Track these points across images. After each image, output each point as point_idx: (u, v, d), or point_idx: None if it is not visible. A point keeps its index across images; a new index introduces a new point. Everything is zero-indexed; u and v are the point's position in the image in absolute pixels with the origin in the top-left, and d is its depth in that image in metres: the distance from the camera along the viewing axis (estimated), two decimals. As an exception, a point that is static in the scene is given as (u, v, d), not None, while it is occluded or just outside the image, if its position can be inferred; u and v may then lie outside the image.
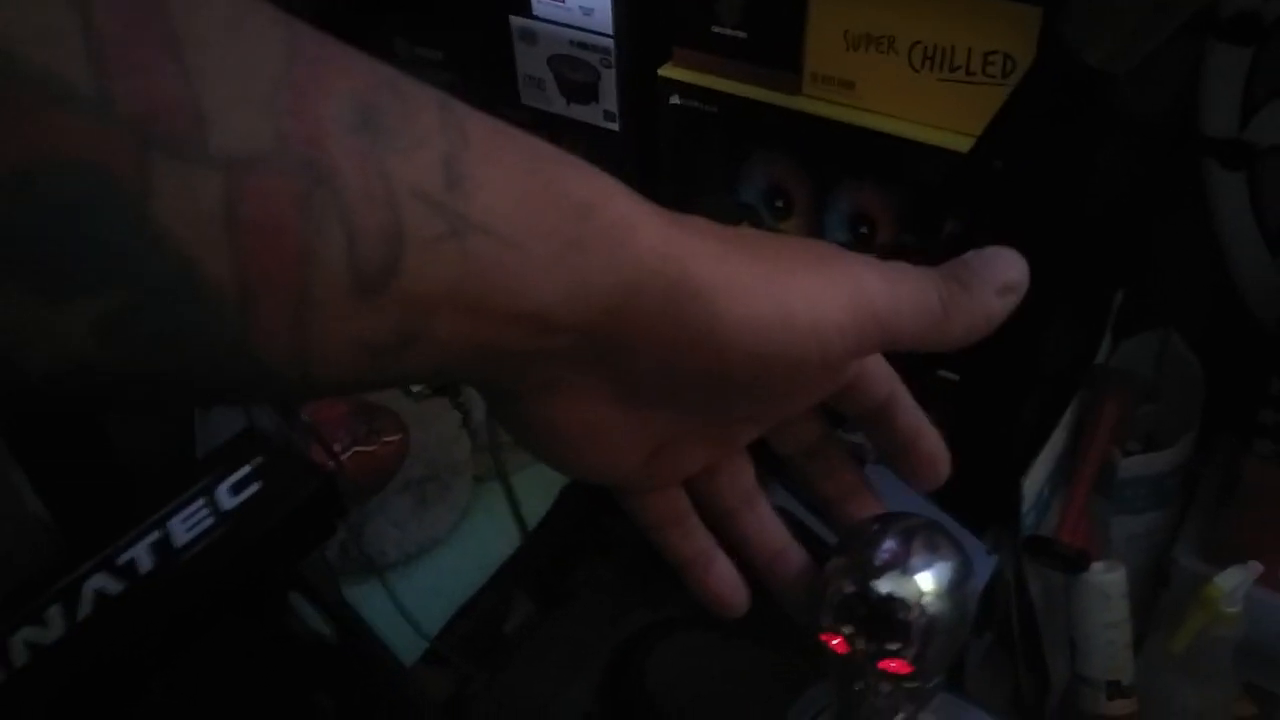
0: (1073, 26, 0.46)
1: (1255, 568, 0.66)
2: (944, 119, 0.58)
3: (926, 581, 0.26)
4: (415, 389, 0.82)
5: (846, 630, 0.27)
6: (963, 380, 0.66)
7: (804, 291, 0.25)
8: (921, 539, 0.27)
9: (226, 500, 0.42)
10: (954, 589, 0.26)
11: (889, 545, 0.27)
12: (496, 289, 0.22)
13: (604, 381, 0.26)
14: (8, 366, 0.18)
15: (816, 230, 0.66)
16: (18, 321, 0.17)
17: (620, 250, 0.23)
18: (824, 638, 0.28)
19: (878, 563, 0.27)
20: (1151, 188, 0.83)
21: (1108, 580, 0.69)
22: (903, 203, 0.61)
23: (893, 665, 0.27)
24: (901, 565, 0.26)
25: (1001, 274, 0.27)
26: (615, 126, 0.71)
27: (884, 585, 0.26)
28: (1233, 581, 0.65)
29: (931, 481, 0.30)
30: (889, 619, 0.26)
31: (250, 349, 0.19)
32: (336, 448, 0.71)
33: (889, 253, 0.61)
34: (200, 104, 0.18)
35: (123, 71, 0.17)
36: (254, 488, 0.43)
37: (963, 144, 0.56)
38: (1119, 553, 0.76)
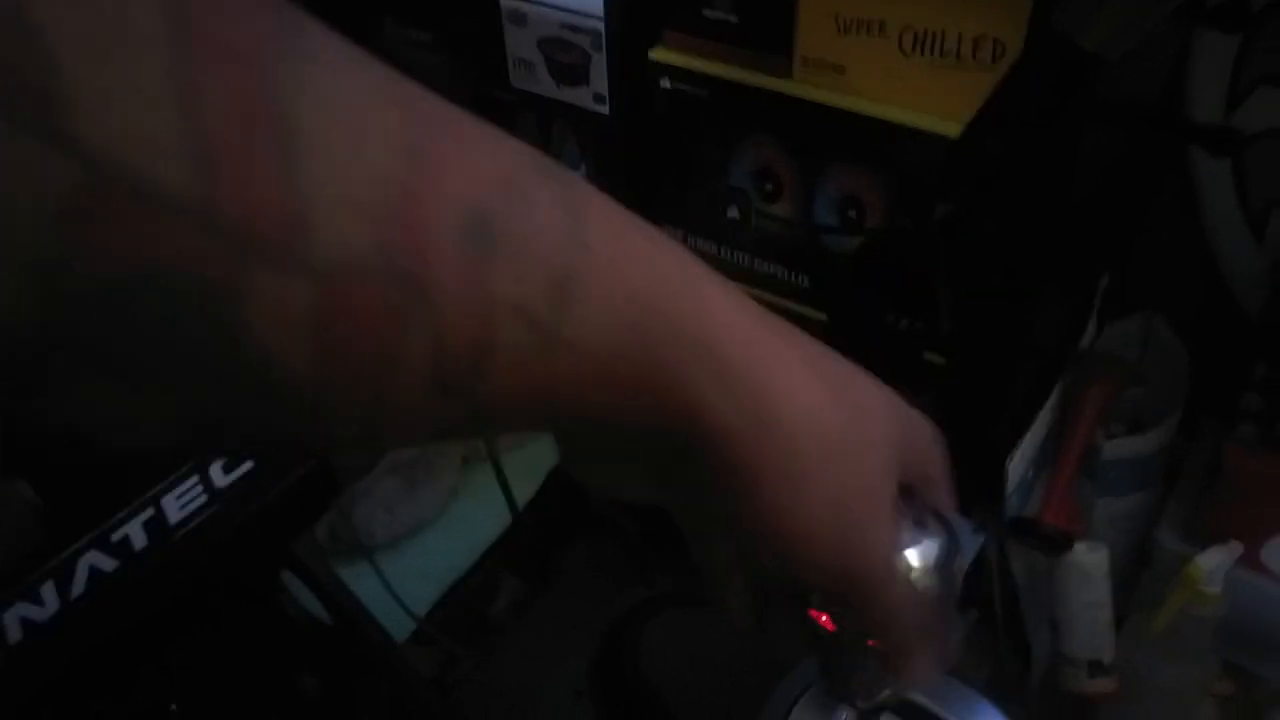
0: (1065, 13, 0.46)
1: (1236, 548, 0.67)
2: (933, 103, 0.58)
3: (915, 557, 0.26)
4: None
5: (834, 607, 0.27)
6: (950, 362, 0.67)
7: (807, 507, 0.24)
8: (909, 515, 0.28)
9: (219, 478, 0.43)
10: (942, 565, 0.27)
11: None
12: (579, 402, 0.21)
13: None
14: (89, 443, 0.18)
15: (805, 213, 0.67)
16: (99, 406, 0.17)
17: (719, 390, 0.22)
18: (812, 614, 0.28)
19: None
20: (1138, 173, 0.84)
21: (1090, 561, 0.70)
22: (892, 186, 0.61)
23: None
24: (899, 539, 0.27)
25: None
26: (605, 109, 0.71)
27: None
28: (1214, 561, 0.66)
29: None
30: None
31: (319, 429, 0.20)
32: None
33: (880, 236, 0.61)
34: (304, 211, 0.17)
35: (229, 179, 0.16)
36: (246, 466, 0.43)
37: (952, 128, 0.56)
38: (1102, 533, 0.77)
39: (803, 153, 0.64)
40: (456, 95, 0.21)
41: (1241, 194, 0.78)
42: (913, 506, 0.27)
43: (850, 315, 0.62)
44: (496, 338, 0.20)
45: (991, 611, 0.73)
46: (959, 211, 0.60)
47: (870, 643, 0.27)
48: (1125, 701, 0.70)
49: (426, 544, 0.78)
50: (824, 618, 0.28)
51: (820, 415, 0.24)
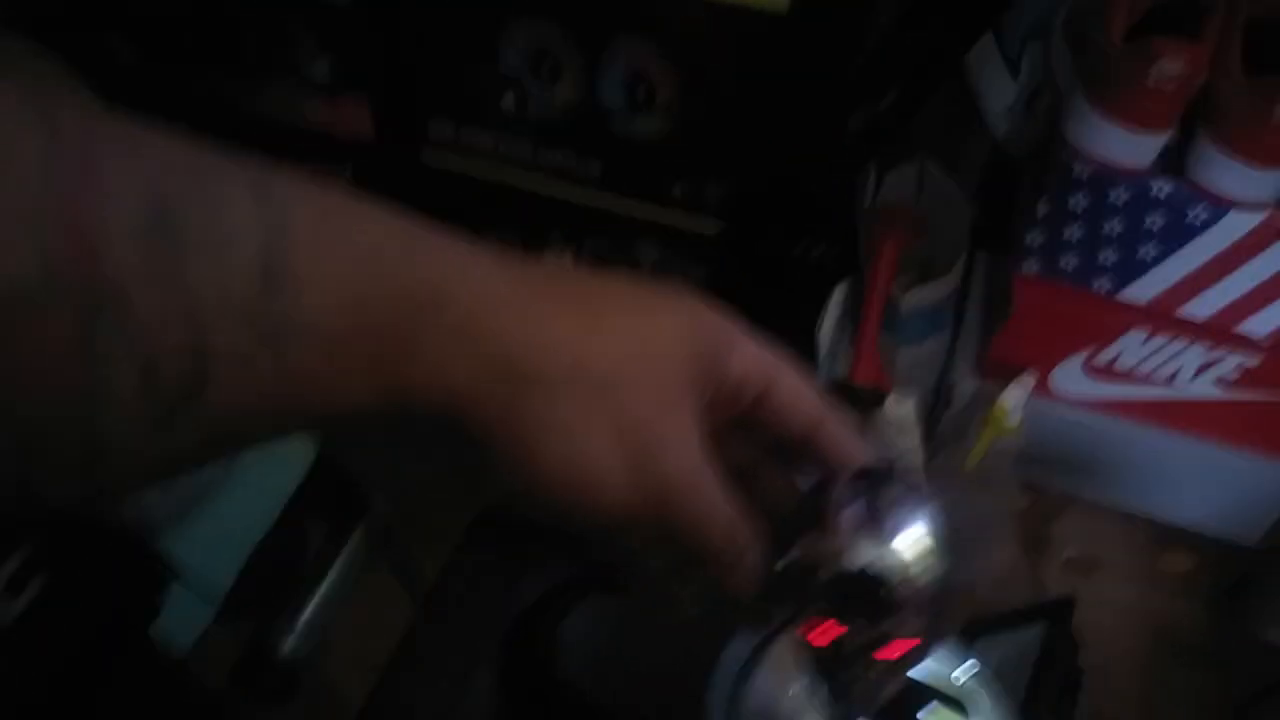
0: None
1: (1030, 379, 0.70)
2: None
3: (928, 547, 0.23)
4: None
5: (834, 616, 0.24)
6: (741, 229, 0.65)
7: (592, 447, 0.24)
8: (905, 493, 0.24)
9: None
10: (939, 540, 0.24)
11: (871, 510, 0.24)
12: (312, 395, 0.20)
13: None
14: None
15: (589, 95, 0.61)
16: None
17: (447, 360, 0.22)
18: (800, 634, 0.25)
19: (866, 536, 0.24)
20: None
21: (902, 413, 0.72)
22: (683, 61, 0.57)
23: (896, 647, 0.24)
24: (896, 532, 0.24)
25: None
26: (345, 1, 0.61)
27: (883, 560, 0.23)
28: (1015, 396, 0.69)
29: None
30: (885, 598, 0.23)
31: (35, 495, 0.17)
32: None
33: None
34: None
35: None
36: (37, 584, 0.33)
37: (743, -7, 0.52)
38: (905, 383, 0.79)
39: (581, 29, 0.58)
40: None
41: (995, 30, 0.80)
42: (868, 492, 0.24)
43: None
44: (211, 341, 0.18)
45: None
46: (748, 82, 0.56)
47: (877, 655, 0.24)
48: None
49: (216, 512, 0.70)
50: (821, 630, 0.25)
51: (581, 355, 0.24)
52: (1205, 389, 0.71)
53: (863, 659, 0.25)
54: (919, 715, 0.40)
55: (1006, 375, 0.72)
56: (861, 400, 0.72)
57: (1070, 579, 0.86)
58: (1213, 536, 0.81)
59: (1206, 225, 0.63)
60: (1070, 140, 0.62)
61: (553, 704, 0.50)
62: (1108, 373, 0.73)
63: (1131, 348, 0.71)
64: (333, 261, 0.20)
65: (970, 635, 0.74)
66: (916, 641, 0.24)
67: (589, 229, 0.67)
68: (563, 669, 0.48)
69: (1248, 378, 0.69)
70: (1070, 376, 0.74)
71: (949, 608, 0.24)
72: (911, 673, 0.34)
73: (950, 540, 0.25)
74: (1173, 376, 0.71)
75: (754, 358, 0.28)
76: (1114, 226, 0.66)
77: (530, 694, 0.51)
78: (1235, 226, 0.63)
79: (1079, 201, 0.65)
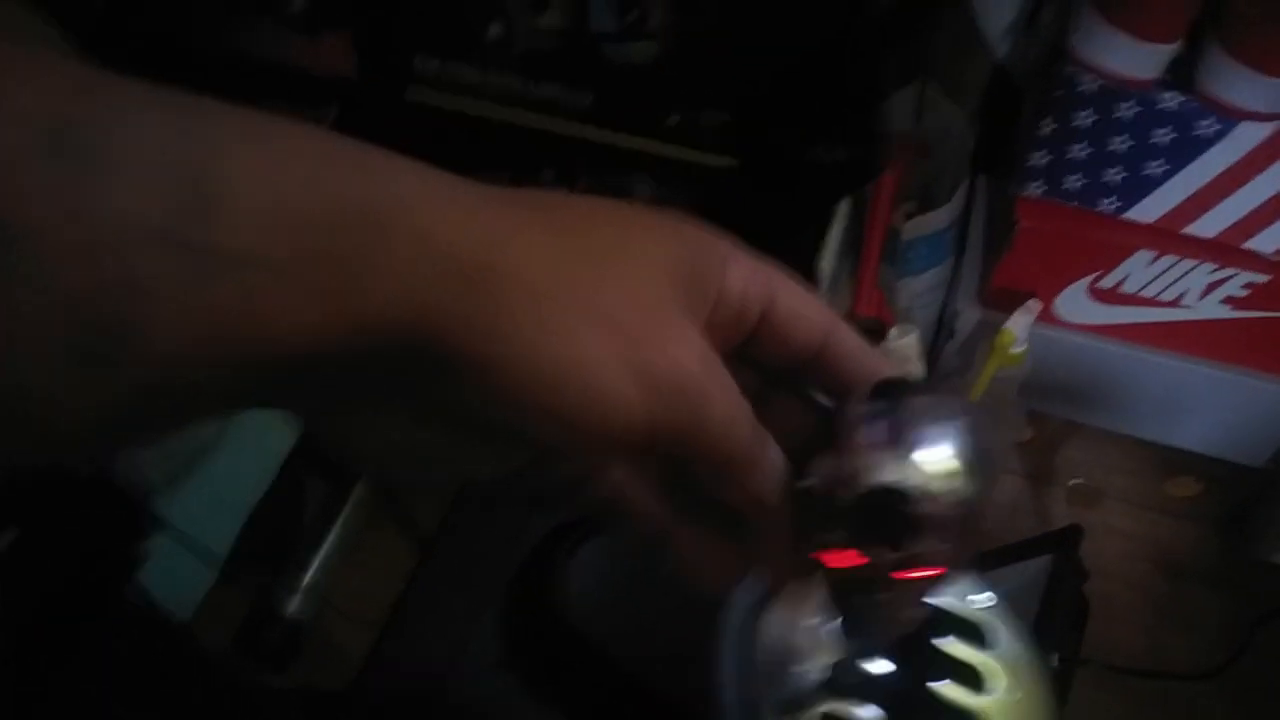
0: None
1: (1035, 305, 0.69)
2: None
3: (959, 462, 0.21)
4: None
5: (859, 541, 0.22)
6: (746, 170, 0.63)
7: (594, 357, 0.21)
8: (936, 406, 0.22)
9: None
10: (980, 459, 0.22)
11: (898, 426, 0.22)
12: (258, 334, 0.18)
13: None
14: None
15: (579, 21, 0.59)
16: None
17: (410, 275, 0.19)
18: (816, 557, 0.23)
19: (892, 454, 0.22)
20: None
21: (904, 345, 0.70)
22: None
23: (925, 570, 0.23)
24: (899, 451, 0.22)
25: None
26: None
27: (910, 479, 0.21)
28: (1021, 324, 0.68)
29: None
30: (913, 518, 0.22)
31: None
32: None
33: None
34: None
35: None
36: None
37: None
38: (907, 314, 0.78)
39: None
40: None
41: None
42: (887, 407, 0.22)
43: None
44: (137, 273, 0.16)
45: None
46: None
47: (906, 575, 0.23)
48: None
49: (211, 473, 0.68)
50: (848, 555, 0.23)
51: (559, 259, 0.22)
52: (1213, 309, 0.70)
53: (880, 586, 0.23)
54: (935, 644, 0.39)
55: (1010, 303, 0.70)
56: (865, 333, 0.71)
57: (1076, 508, 0.86)
58: (1219, 459, 0.81)
59: (1217, 138, 0.62)
60: (1076, 53, 0.60)
61: (558, 651, 0.49)
62: (1114, 296, 0.72)
63: (1138, 269, 0.69)
64: (272, 183, 0.18)
65: (978, 567, 0.74)
66: (940, 570, 0.23)
67: (582, 165, 0.64)
68: (567, 614, 0.47)
69: (1256, 295, 0.68)
70: (1075, 302, 0.73)
71: (975, 532, 0.23)
72: (930, 603, 0.32)
73: (980, 459, 0.23)
74: (1180, 298, 0.70)
75: (752, 270, 0.25)
76: (1121, 143, 0.64)
77: (535, 640, 0.50)
78: (1246, 138, 0.61)
79: (1085, 118, 0.64)
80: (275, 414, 0.67)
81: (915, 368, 0.72)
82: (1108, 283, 0.71)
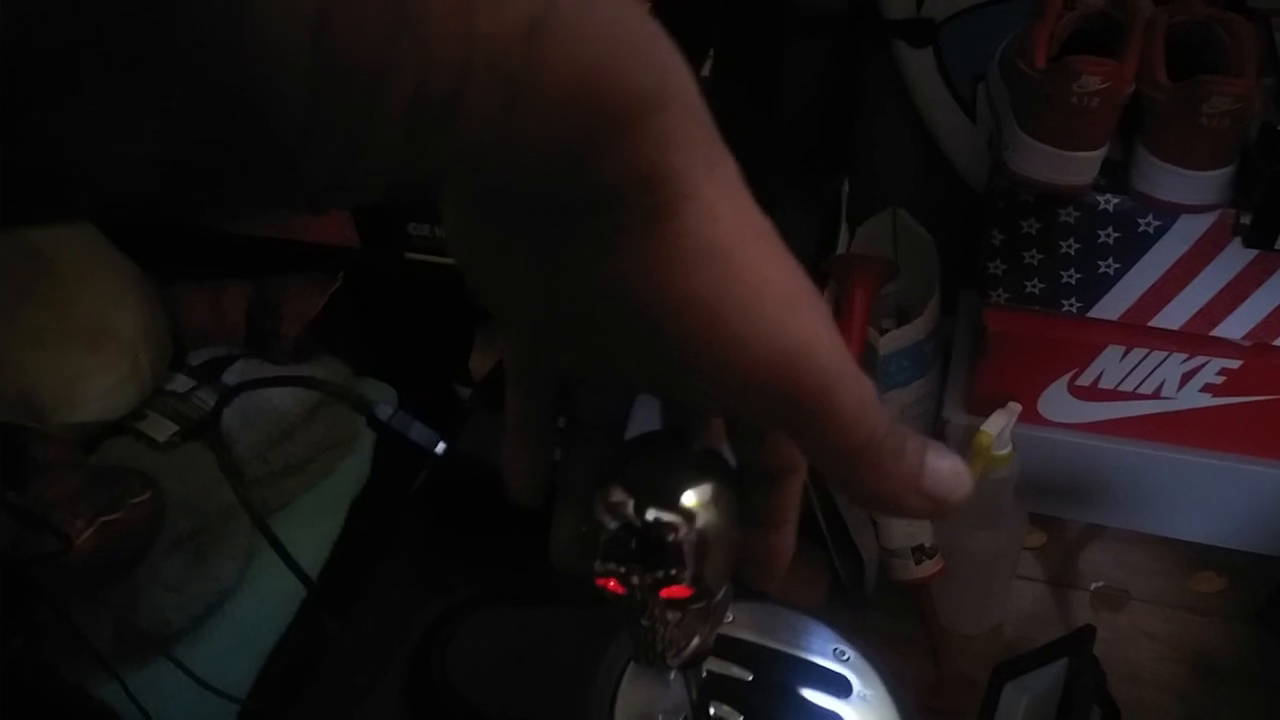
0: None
1: (1015, 408, 0.70)
2: None
3: (687, 497, 0.25)
4: (158, 439, 0.75)
5: (618, 569, 0.25)
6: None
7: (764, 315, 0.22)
8: (672, 454, 0.26)
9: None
10: (716, 496, 0.25)
11: (639, 471, 0.26)
12: (524, 153, 0.20)
13: None
14: (72, 165, 0.17)
15: None
16: (89, 122, 0.16)
17: (690, 133, 0.21)
18: (600, 583, 0.26)
19: (632, 493, 0.25)
20: (852, 80, 0.87)
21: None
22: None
23: (673, 591, 0.26)
24: (658, 488, 0.25)
25: (940, 482, 0.23)
26: None
27: (645, 513, 0.25)
28: (998, 425, 0.69)
29: (760, 582, 0.28)
30: (656, 546, 0.25)
31: (299, 162, 0.19)
32: (79, 524, 0.63)
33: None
34: None
35: None
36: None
37: None
38: (897, 426, 0.79)
39: None
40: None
41: (946, 77, 0.82)
42: (669, 446, 0.26)
43: None
44: (469, 83, 0.19)
45: (816, 527, 0.75)
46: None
47: (662, 594, 0.26)
48: (953, 576, 0.73)
49: (231, 616, 0.72)
50: (611, 582, 0.26)
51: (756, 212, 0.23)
52: (1194, 398, 0.70)
53: (640, 607, 0.26)
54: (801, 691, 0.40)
55: (994, 408, 0.72)
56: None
57: (1101, 612, 0.84)
58: (1238, 551, 0.79)
59: (1159, 233, 0.64)
60: (1012, 167, 0.64)
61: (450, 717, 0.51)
62: (1095, 393, 0.73)
63: (1111, 364, 0.70)
64: (588, 24, 0.20)
65: (999, 676, 0.73)
66: (685, 591, 0.25)
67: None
68: (456, 686, 0.49)
69: (1232, 381, 0.69)
70: (1059, 401, 0.74)
71: (717, 558, 0.26)
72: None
73: (712, 497, 0.26)
74: (1159, 389, 0.71)
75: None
76: (1069, 246, 0.67)
77: (430, 711, 0.52)
78: (1188, 230, 0.63)
79: (1031, 226, 0.67)
80: (294, 551, 0.69)
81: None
82: (1085, 380, 0.72)
